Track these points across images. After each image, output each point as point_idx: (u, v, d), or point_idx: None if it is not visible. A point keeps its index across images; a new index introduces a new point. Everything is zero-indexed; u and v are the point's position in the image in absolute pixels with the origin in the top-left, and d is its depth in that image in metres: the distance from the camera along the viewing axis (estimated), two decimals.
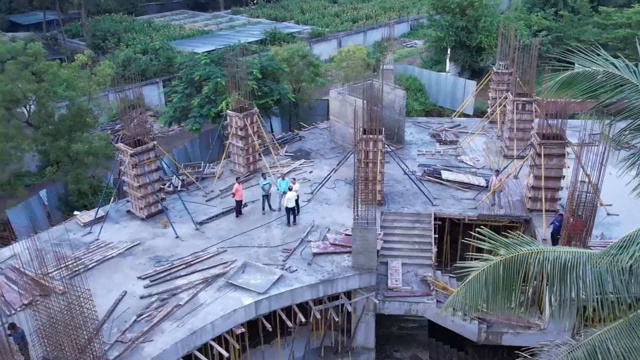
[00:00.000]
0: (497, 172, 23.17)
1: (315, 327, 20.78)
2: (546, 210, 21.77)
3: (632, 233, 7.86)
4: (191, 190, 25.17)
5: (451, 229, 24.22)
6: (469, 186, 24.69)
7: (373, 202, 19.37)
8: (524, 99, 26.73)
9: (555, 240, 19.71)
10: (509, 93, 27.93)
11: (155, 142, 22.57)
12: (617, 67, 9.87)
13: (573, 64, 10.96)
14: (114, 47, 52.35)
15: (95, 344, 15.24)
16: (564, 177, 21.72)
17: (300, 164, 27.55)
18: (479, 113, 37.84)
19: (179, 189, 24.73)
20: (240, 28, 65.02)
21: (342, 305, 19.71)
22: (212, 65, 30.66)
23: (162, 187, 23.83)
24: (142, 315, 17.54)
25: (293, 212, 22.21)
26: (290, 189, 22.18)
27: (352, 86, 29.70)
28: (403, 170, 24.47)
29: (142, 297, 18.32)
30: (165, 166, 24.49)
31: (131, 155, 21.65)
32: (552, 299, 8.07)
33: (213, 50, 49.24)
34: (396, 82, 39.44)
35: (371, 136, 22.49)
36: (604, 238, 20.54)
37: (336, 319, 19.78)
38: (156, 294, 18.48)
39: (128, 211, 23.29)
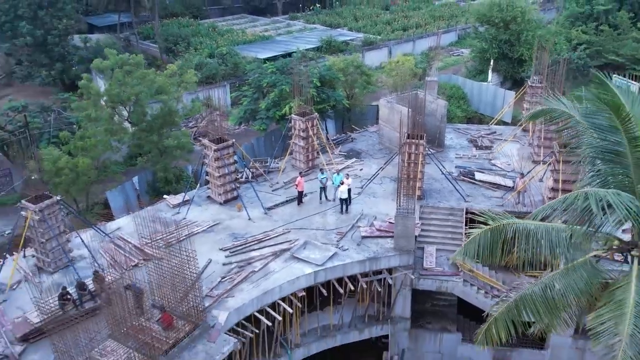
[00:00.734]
0: (522, 175, 26.89)
1: (361, 297, 25.01)
2: None
3: (551, 203, 11.80)
4: (260, 181, 29.76)
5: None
6: (498, 186, 28.47)
7: (413, 196, 23.47)
8: None
9: None
10: (540, 105, 31.44)
11: (233, 140, 27.23)
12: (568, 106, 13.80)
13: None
14: (184, 51, 57.64)
15: (191, 296, 19.86)
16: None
17: (352, 162, 31.81)
18: (517, 121, 41.27)
19: (249, 179, 29.38)
20: (297, 34, 69.49)
21: (384, 279, 23.88)
22: (278, 73, 35.20)
23: (237, 177, 28.48)
24: (225, 277, 22.15)
25: (346, 202, 26.51)
26: (342, 183, 26.47)
27: (399, 95, 33.76)
28: (441, 170, 28.45)
29: (224, 264, 22.95)
30: (238, 160, 29.12)
31: (214, 150, 26.33)
32: (521, 255, 12.02)
33: (274, 56, 54.09)
34: (441, 90, 43.34)
35: (414, 140, 26.54)
36: None
37: (379, 289, 23.98)
38: (235, 262, 23.08)
39: (208, 196, 28.02)
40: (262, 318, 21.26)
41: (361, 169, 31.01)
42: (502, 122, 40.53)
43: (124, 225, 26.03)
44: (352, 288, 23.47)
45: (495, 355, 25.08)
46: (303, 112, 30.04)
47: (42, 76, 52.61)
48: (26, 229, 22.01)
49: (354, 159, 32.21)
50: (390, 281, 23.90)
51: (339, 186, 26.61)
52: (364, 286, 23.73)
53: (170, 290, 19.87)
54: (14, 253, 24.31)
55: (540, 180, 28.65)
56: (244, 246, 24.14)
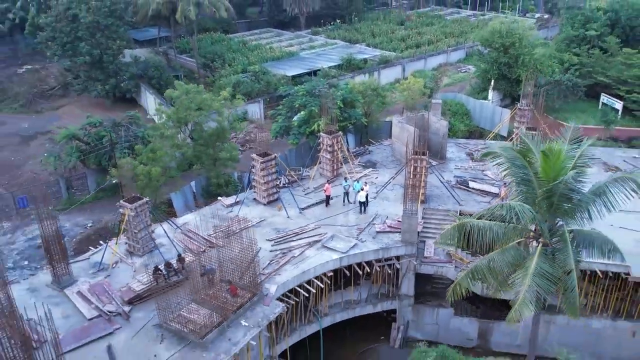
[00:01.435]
0: (505, 184, 33.70)
1: (374, 279, 31.96)
2: None
3: (488, 208, 18.69)
4: (294, 186, 36.84)
5: None
6: (487, 193, 35.28)
7: (417, 200, 30.38)
8: (532, 132, 36.92)
9: None
10: (522, 126, 38.23)
11: (275, 155, 34.33)
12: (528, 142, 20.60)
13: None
14: (219, 68, 64.95)
15: (250, 273, 26.92)
16: None
17: (369, 172, 38.78)
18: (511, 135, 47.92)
19: (286, 185, 36.47)
20: (319, 49, 76.38)
21: (393, 264, 30.83)
22: (308, 96, 42.23)
23: (277, 183, 35.57)
24: (272, 260, 29.23)
25: (364, 205, 33.49)
26: (362, 189, 33.44)
27: (409, 116, 40.65)
28: (440, 180, 35.33)
29: (270, 251, 30.04)
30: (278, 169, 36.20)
31: (261, 162, 33.43)
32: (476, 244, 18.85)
33: (300, 74, 61.24)
34: (447, 107, 50.19)
35: (418, 156, 33.42)
36: None
37: (389, 273, 30.95)
38: (278, 249, 30.16)
39: (254, 198, 35.14)
40: (301, 291, 28.35)
41: (376, 177, 37.95)
42: (499, 136, 47.25)
43: (189, 220, 33.27)
44: (368, 271, 30.49)
45: (480, 326, 31.89)
46: (330, 131, 37.03)
47: (98, 90, 60.26)
48: (124, 222, 29.25)
49: (370, 169, 39.17)
50: (398, 266, 30.85)
51: (358, 192, 33.60)
52: (377, 270, 30.73)
53: (235, 268, 26.98)
54: (106, 241, 31.69)
55: None
56: (284, 238, 31.24)
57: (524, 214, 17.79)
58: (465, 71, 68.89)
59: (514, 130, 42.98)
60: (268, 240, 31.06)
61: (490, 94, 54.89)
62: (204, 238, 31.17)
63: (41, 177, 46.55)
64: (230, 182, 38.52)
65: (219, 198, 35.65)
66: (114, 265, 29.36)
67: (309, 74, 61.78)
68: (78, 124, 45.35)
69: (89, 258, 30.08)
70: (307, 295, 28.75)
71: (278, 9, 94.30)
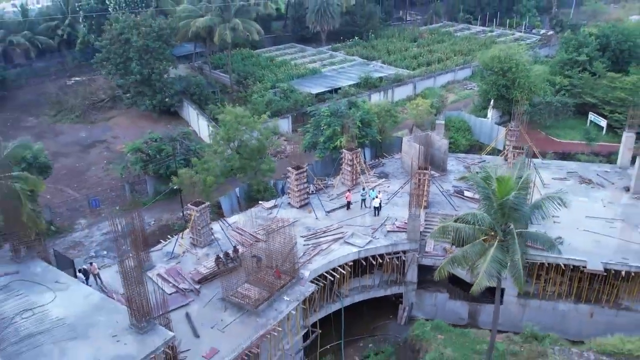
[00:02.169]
0: None
1: (385, 268, 39.99)
2: None
3: (463, 214, 26.63)
4: (320, 193, 45.00)
5: None
6: (477, 200, 43.10)
7: (420, 206, 38.39)
8: (518, 150, 44.67)
9: None
10: (511, 145, 46.09)
11: (306, 167, 42.51)
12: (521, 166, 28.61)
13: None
14: (252, 84, 73.20)
15: (289, 260, 35.02)
16: None
17: (382, 181, 46.80)
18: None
19: (314, 192, 44.66)
20: (339, 66, 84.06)
21: (400, 257, 38.85)
22: (332, 116, 50.32)
23: (307, 190, 43.73)
24: (305, 252, 37.38)
25: (377, 209, 41.55)
26: (376, 197, 41.51)
27: (416, 135, 48.62)
28: (439, 189, 43.32)
29: (304, 245, 38.17)
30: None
31: (295, 174, 41.61)
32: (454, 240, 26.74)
33: (323, 91, 69.39)
34: (450, 123, 58.02)
35: (422, 170, 41.35)
36: None
37: (397, 263, 38.99)
38: (310, 244, 38.31)
39: (289, 203, 43.32)
40: (328, 276, 36.49)
41: (388, 186, 45.95)
42: (496, 150, 54.94)
43: (237, 220, 41.56)
44: (380, 262, 38.58)
45: (469, 308, 39.78)
46: (350, 148, 45.10)
47: (146, 104, 68.90)
48: (192, 221, 37.59)
49: (383, 179, 47.20)
50: (404, 259, 38.88)
51: (374, 198, 41.69)
52: (388, 261, 38.80)
53: (278, 257, 35.14)
54: (173, 235, 40.04)
55: None
56: (314, 234, 39.40)
57: (483, 220, 25.84)
58: (471, 88, 76.43)
59: (506, 145, 50.79)
60: (301, 236, 39.20)
61: (490, 112, 62.60)
62: (251, 234, 39.44)
63: (105, 182, 55.26)
64: (267, 188, 46.73)
65: (260, 202, 43.89)
66: (182, 254, 37.70)
67: (330, 92, 69.93)
68: (128, 134, 53.95)
69: (161, 249, 38.44)
70: (332, 279, 36.86)
71: (301, 25, 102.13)
